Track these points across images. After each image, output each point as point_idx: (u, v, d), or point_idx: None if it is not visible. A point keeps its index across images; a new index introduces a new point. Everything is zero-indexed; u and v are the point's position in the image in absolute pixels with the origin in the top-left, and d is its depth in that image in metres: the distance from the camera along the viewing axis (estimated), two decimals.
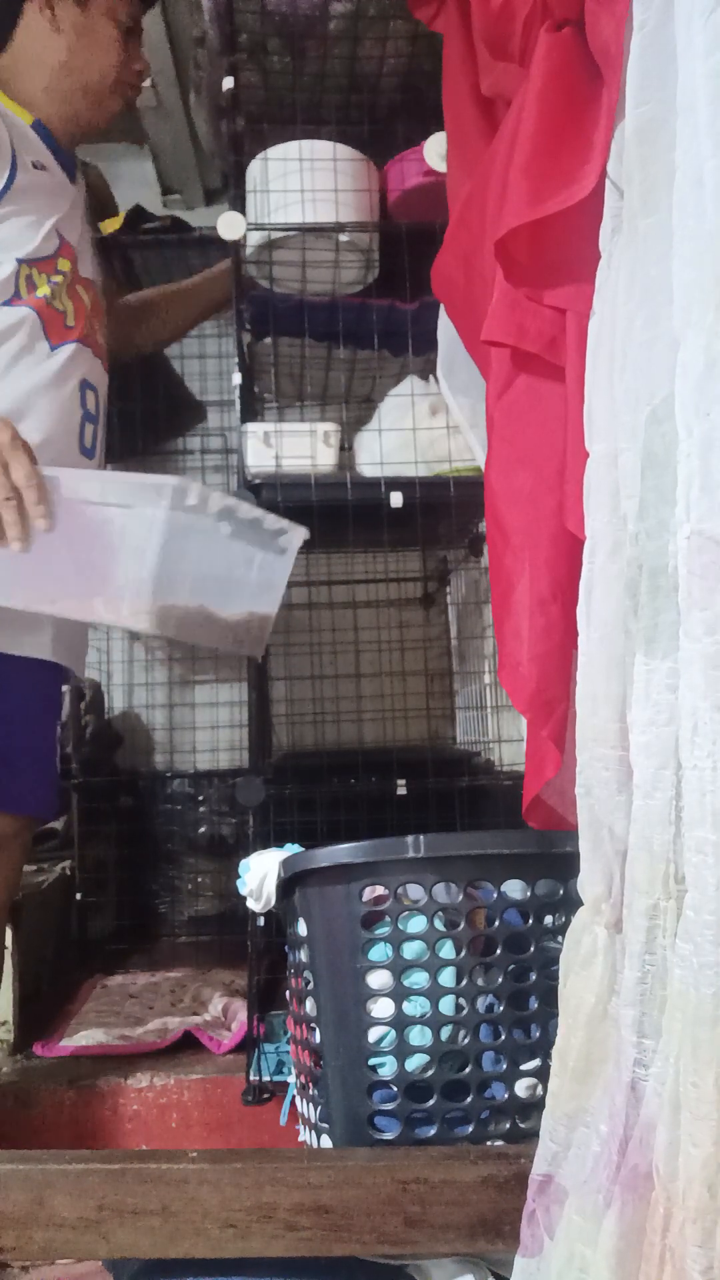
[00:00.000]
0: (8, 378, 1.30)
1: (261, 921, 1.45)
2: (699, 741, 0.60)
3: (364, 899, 1.05)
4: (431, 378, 1.64)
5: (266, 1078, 1.43)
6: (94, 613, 1.14)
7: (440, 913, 1.03)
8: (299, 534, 1.29)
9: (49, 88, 1.41)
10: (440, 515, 1.69)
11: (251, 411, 1.70)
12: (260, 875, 1.19)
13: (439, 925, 1.03)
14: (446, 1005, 1.03)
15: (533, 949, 1.04)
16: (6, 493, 1.11)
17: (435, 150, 1.58)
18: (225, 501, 1.16)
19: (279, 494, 1.53)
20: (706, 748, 0.59)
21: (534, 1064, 1.03)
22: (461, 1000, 1.03)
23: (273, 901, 1.19)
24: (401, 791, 1.55)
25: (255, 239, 1.65)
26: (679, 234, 0.64)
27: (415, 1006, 1.03)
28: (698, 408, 0.60)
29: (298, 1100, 1.20)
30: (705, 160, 0.61)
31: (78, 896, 2.00)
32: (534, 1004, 1.03)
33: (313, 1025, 1.09)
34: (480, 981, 1.04)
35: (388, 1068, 1.02)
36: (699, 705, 0.60)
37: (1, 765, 1.30)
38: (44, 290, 1.34)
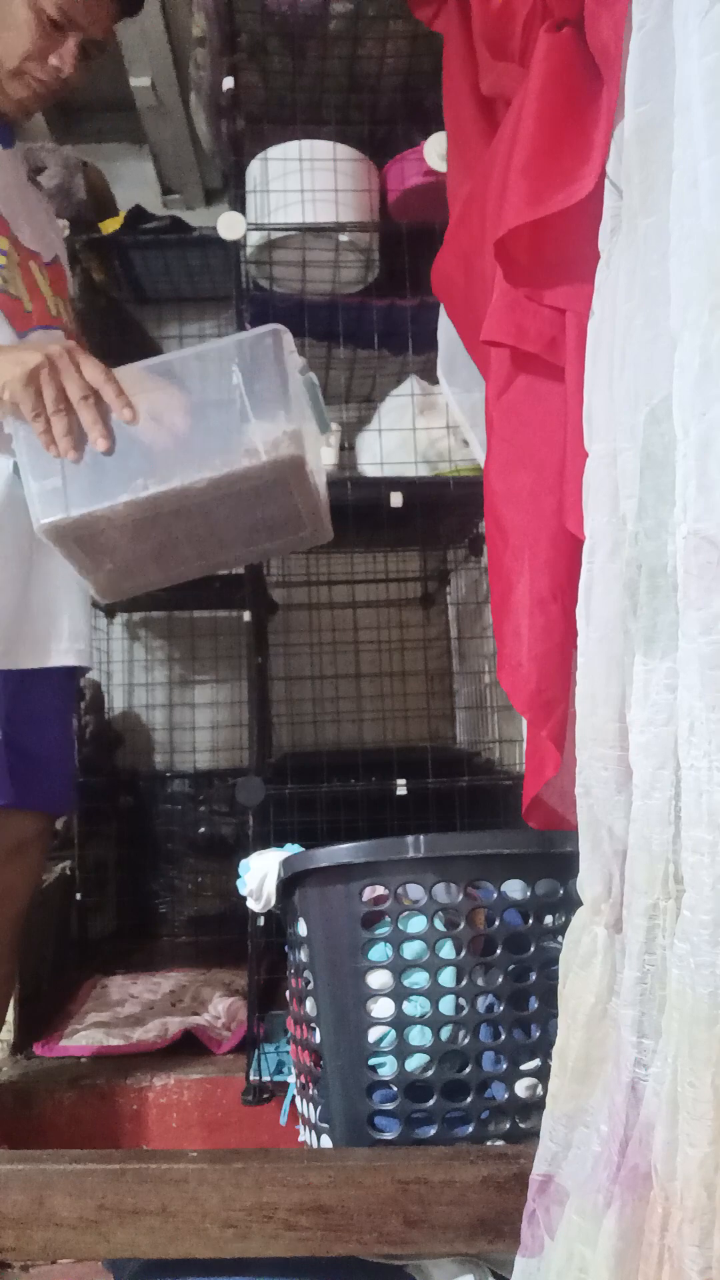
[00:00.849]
0: None
1: (261, 921, 1.45)
2: (695, 741, 0.60)
3: (364, 899, 1.05)
4: (432, 377, 1.65)
5: (266, 1078, 1.43)
6: (235, 463, 1.10)
7: (440, 913, 1.03)
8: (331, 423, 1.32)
9: None
10: (440, 515, 1.69)
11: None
12: (260, 875, 1.19)
13: (439, 925, 1.03)
14: (446, 1005, 1.03)
15: (533, 949, 1.04)
16: (84, 391, 1.09)
17: (435, 150, 1.58)
18: (303, 360, 1.17)
19: None
20: (703, 747, 0.59)
21: (534, 1064, 1.03)
22: (461, 1000, 1.03)
23: (273, 901, 1.19)
24: (401, 791, 1.55)
25: (255, 239, 1.65)
26: (676, 234, 0.64)
27: (415, 1006, 1.03)
28: (694, 407, 0.60)
29: (298, 1100, 1.20)
30: (700, 160, 0.61)
31: (78, 896, 2.01)
32: (534, 1004, 1.03)
33: (313, 1025, 1.09)
34: (480, 981, 1.04)
35: (388, 1068, 1.02)
36: (695, 705, 0.60)
37: (35, 766, 1.30)
38: None
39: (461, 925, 1.03)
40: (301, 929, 1.12)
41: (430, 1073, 1.01)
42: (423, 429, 1.63)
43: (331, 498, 1.54)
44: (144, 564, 1.25)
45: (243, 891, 1.22)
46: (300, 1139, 1.18)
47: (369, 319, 1.76)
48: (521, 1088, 1.02)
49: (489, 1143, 1.01)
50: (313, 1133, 1.11)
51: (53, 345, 1.12)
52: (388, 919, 1.04)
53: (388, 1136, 1.02)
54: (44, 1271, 1.33)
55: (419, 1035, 1.02)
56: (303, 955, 1.12)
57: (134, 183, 2.55)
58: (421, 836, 1.03)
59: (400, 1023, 1.02)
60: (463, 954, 1.03)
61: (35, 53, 1.32)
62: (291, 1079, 1.25)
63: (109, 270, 2.24)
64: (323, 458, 1.59)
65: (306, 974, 1.11)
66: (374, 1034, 1.03)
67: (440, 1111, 1.01)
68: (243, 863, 1.23)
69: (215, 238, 1.62)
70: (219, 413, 1.10)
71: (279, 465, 1.09)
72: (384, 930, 1.04)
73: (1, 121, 1.39)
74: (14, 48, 1.32)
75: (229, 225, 1.58)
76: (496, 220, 0.99)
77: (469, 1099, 1.02)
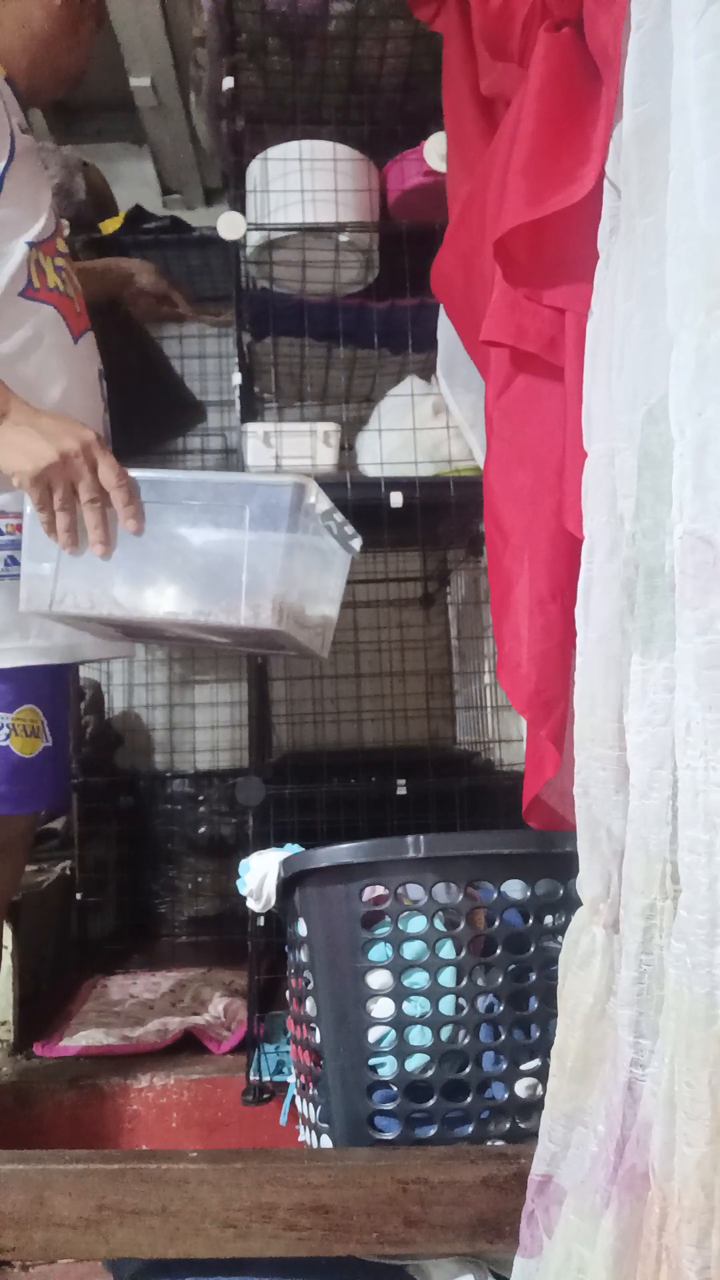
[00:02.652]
0: (45, 377, 1.25)
1: (261, 921, 1.45)
2: (691, 741, 0.60)
3: (364, 899, 1.05)
4: (432, 377, 1.65)
5: (266, 1078, 1.43)
6: (210, 616, 1.09)
7: (440, 913, 1.03)
8: (359, 540, 1.27)
9: (25, 50, 1.35)
10: (440, 515, 1.69)
11: (251, 411, 1.70)
12: (260, 875, 1.19)
13: (439, 925, 1.03)
14: (446, 1005, 1.03)
15: (533, 949, 1.04)
16: (92, 494, 1.08)
17: (435, 150, 1.58)
18: (329, 504, 1.14)
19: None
20: (699, 747, 0.60)
21: (534, 1064, 1.03)
22: (461, 1000, 1.03)
23: (273, 901, 1.19)
24: (401, 791, 1.55)
25: (255, 239, 1.65)
26: (673, 234, 0.64)
27: (415, 1006, 1.03)
28: (691, 407, 0.61)
29: (298, 1100, 1.20)
30: (697, 160, 0.61)
31: (78, 896, 2.00)
32: (534, 1004, 1.03)
33: (313, 1025, 1.09)
34: (480, 981, 1.04)
35: (388, 1068, 1.02)
36: (691, 705, 0.60)
37: (32, 768, 1.30)
38: (54, 280, 1.29)
39: (461, 925, 1.03)
40: (301, 929, 1.12)
41: (430, 1073, 1.01)
42: (424, 429, 1.63)
43: (331, 498, 1.54)
44: (136, 634, 1.27)
45: (243, 891, 1.22)
46: (300, 1139, 1.18)
47: (369, 319, 1.76)
48: (521, 1088, 1.02)
49: (489, 1143, 1.01)
50: (313, 1133, 1.12)
51: (71, 439, 1.09)
52: (388, 919, 1.04)
53: (388, 1136, 1.02)
54: (44, 1271, 1.33)
55: (419, 1035, 1.02)
56: (303, 955, 1.12)
57: (134, 183, 2.55)
58: (421, 836, 1.03)
59: (400, 1023, 1.02)
60: (463, 954, 1.03)
61: (86, 60, 1.42)
62: (291, 1079, 1.25)
63: None
64: (322, 456, 1.59)
65: (306, 974, 1.11)
66: (374, 1034, 1.03)
67: (440, 1111, 1.01)
68: (243, 863, 1.23)
69: (215, 238, 1.62)
70: (218, 552, 1.08)
71: (259, 629, 1.08)
72: (384, 930, 1.04)
73: (26, 119, 1.39)
74: (79, 55, 1.40)
75: (229, 225, 1.58)
76: (496, 220, 0.99)
77: (469, 1099, 1.02)
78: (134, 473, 1.10)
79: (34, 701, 1.26)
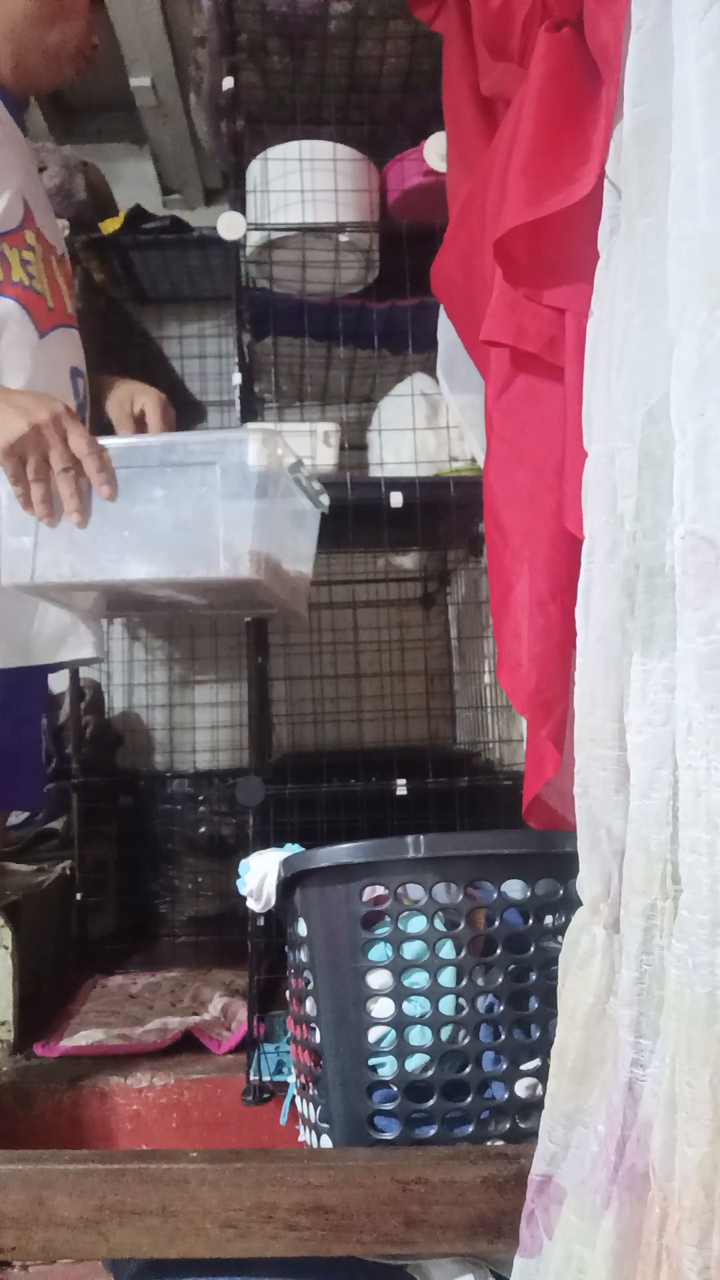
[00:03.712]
0: (7, 374, 1.24)
1: (261, 921, 1.45)
2: (693, 741, 0.60)
3: (364, 899, 1.05)
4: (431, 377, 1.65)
5: (266, 1078, 1.43)
6: (190, 571, 1.10)
7: (440, 913, 1.03)
8: (326, 496, 1.29)
9: (7, 36, 1.33)
10: (440, 515, 1.69)
11: (251, 411, 1.70)
12: (260, 875, 1.19)
13: (439, 925, 1.03)
14: (446, 1005, 1.03)
15: (533, 949, 1.04)
16: (65, 463, 1.08)
17: (435, 150, 1.58)
18: (295, 455, 1.15)
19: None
20: (700, 747, 0.60)
21: (534, 1064, 1.03)
22: (461, 1000, 1.03)
23: (273, 901, 1.19)
24: (401, 791, 1.55)
25: (255, 239, 1.65)
26: (674, 234, 0.64)
27: (415, 1006, 1.03)
28: (692, 407, 0.61)
29: (298, 1100, 1.20)
30: (698, 160, 0.61)
31: (78, 896, 2.01)
32: (534, 1004, 1.03)
33: (313, 1025, 1.09)
34: (480, 981, 1.04)
35: (388, 1068, 1.02)
36: (693, 705, 0.60)
37: (14, 768, 1.30)
38: (19, 274, 1.27)
39: (461, 925, 1.03)
40: (301, 929, 1.12)
41: (430, 1073, 1.01)
42: (424, 429, 1.63)
43: (331, 498, 1.54)
44: (119, 606, 1.27)
45: (243, 891, 1.22)
46: (300, 1139, 1.18)
47: (369, 319, 1.76)
48: (521, 1088, 1.02)
49: (489, 1143, 1.01)
50: (313, 1133, 1.12)
51: (42, 411, 1.10)
52: (388, 919, 1.04)
53: (388, 1136, 1.02)
54: (44, 1271, 1.33)
55: (419, 1035, 1.02)
56: (303, 955, 1.12)
57: (134, 183, 2.55)
58: (421, 836, 1.03)
59: (400, 1023, 1.02)
60: (463, 954, 1.03)
61: (85, 32, 1.38)
62: (291, 1079, 1.25)
63: (109, 270, 2.24)
64: (322, 456, 1.59)
65: (306, 974, 1.11)
66: (374, 1034, 1.03)
67: (440, 1111, 1.01)
68: (243, 863, 1.23)
69: (215, 238, 1.62)
70: (193, 509, 1.10)
71: (238, 580, 1.10)
72: (384, 930, 1.04)
73: (17, 107, 1.37)
74: (71, 29, 1.36)
75: (229, 225, 1.58)
76: (496, 220, 0.99)
77: (469, 1099, 1.02)
78: (105, 440, 1.11)
79: None
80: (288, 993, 1.19)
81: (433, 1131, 1.01)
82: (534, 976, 1.04)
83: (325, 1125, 1.07)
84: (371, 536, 1.66)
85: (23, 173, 1.31)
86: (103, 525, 1.11)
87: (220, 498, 1.08)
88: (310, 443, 1.58)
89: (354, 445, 1.82)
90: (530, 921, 1.04)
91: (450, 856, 1.04)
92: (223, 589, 1.15)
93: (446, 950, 1.03)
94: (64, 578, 1.13)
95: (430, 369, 1.59)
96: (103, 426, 1.43)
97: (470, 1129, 1.02)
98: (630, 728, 0.70)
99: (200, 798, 2.30)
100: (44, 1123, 1.44)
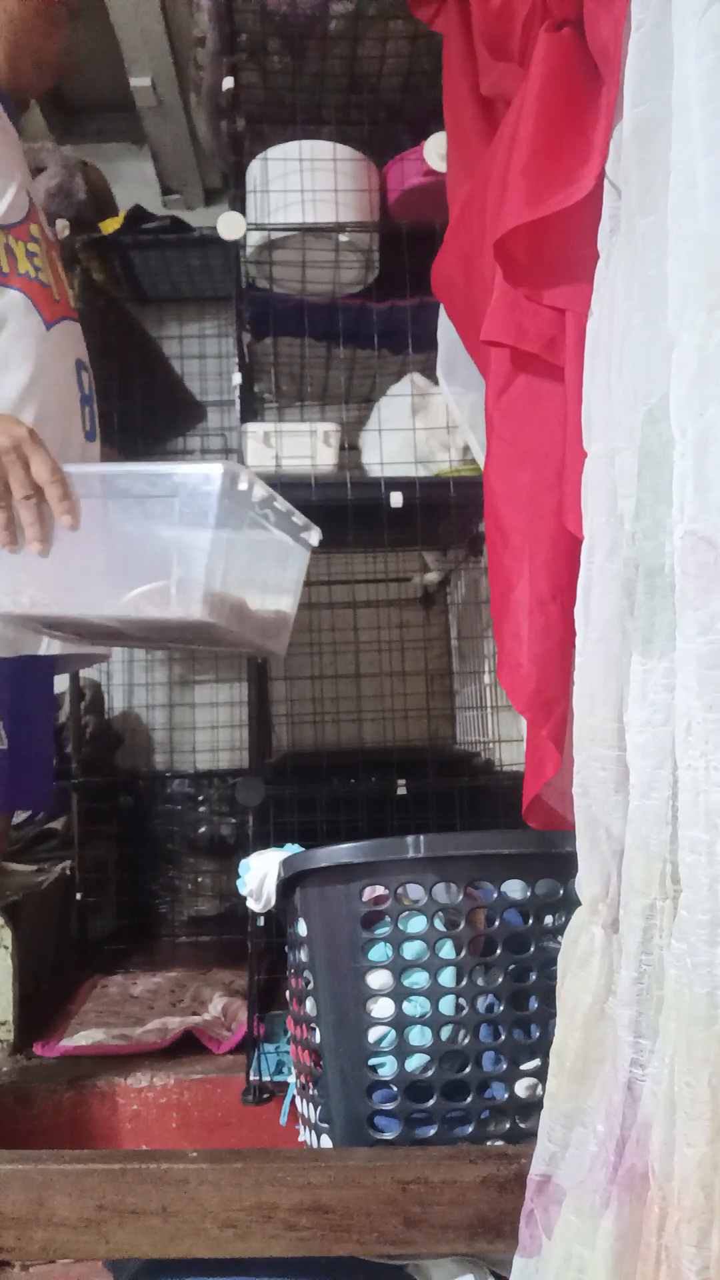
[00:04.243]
0: (7, 367, 1.24)
1: (261, 921, 1.45)
2: (692, 741, 0.60)
3: (364, 899, 1.05)
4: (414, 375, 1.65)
5: (266, 1078, 1.43)
6: (141, 610, 1.06)
7: (440, 913, 1.03)
8: (315, 531, 1.24)
9: (6, 43, 1.33)
10: (440, 515, 1.69)
11: (251, 411, 1.71)
12: (260, 875, 1.19)
13: (439, 925, 1.03)
14: (446, 1005, 1.03)
15: (533, 949, 1.04)
16: (26, 490, 1.06)
17: (435, 150, 1.58)
18: (266, 492, 1.11)
19: (279, 494, 1.53)
20: (700, 747, 0.60)
21: (534, 1064, 1.03)
22: (461, 1000, 1.03)
23: (273, 901, 1.19)
24: (401, 791, 1.55)
25: (255, 239, 1.65)
26: (674, 234, 0.64)
27: (415, 1006, 1.03)
28: (692, 408, 0.61)
29: (298, 1100, 1.20)
30: (698, 160, 0.61)
31: (78, 896, 2.00)
32: (534, 1004, 1.03)
33: (313, 1025, 1.09)
34: (480, 981, 1.04)
35: (388, 1068, 1.02)
36: (692, 705, 0.60)
37: (25, 766, 1.30)
38: (25, 266, 1.27)
39: (461, 925, 1.03)
40: (301, 929, 1.12)
41: (430, 1073, 1.01)
42: (424, 429, 1.63)
43: (331, 498, 1.54)
44: (91, 636, 1.25)
45: (243, 891, 1.22)
46: (300, 1139, 1.18)
47: (369, 319, 1.76)
48: (521, 1088, 1.02)
49: (489, 1143, 1.01)
50: (313, 1133, 1.11)
51: (3, 436, 1.08)
52: (388, 919, 1.04)
53: (388, 1136, 1.02)
54: (44, 1271, 1.33)
55: (419, 1035, 1.02)
56: (303, 955, 1.12)
57: (134, 183, 2.55)
58: (421, 836, 1.03)
59: (400, 1023, 1.02)
60: (463, 954, 1.03)
61: (66, 48, 1.40)
62: (291, 1079, 1.25)
63: (109, 270, 2.24)
64: (322, 456, 1.59)
65: (306, 974, 1.11)
66: (374, 1034, 1.03)
67: (440, 1111, 1.01)
68: (243, 863, 1.23)
69: (215, 238, 1.62)
70: (151, 544, 1.05)
71: (190, 620, 1.06)
72: (384, 930, 1.04)
73: (11, 106, 1.38)
74: (57, 42, 1.38)
75: (229, 225, 1.58)
76: (496, 220, 0.99)
77: (469, 1099, 1.02)
78: (68, 467, 1.08)
79: None
80: (288, 993, 1.19)
81: (433, 1131, 1.01)
82: (534, 976, 1.04)
83: (325, 1125, 1.07)
84: (371, 536, 1.66)
85: (22, 171, 1.32)
86: (60, 555, 1.08)
87: (177, 533, 1.03)
88: (310, 443, 1.58)
89: (354, 445, 1.82)
90: (530, 921, 1.04)
91: (450, 856, 1.04)
92: (183, 629, 1.11)
93: (446, 950, 1.03)
94: (22, 608, 1.10)
95: (430, 369, 1.59)
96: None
97: (470, 1129, 1.02)
98: (630, 728, 0.70)
99: (200, 798, 2.30)
100: (44, 1123, 1.44)
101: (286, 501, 1.15)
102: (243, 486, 1.05)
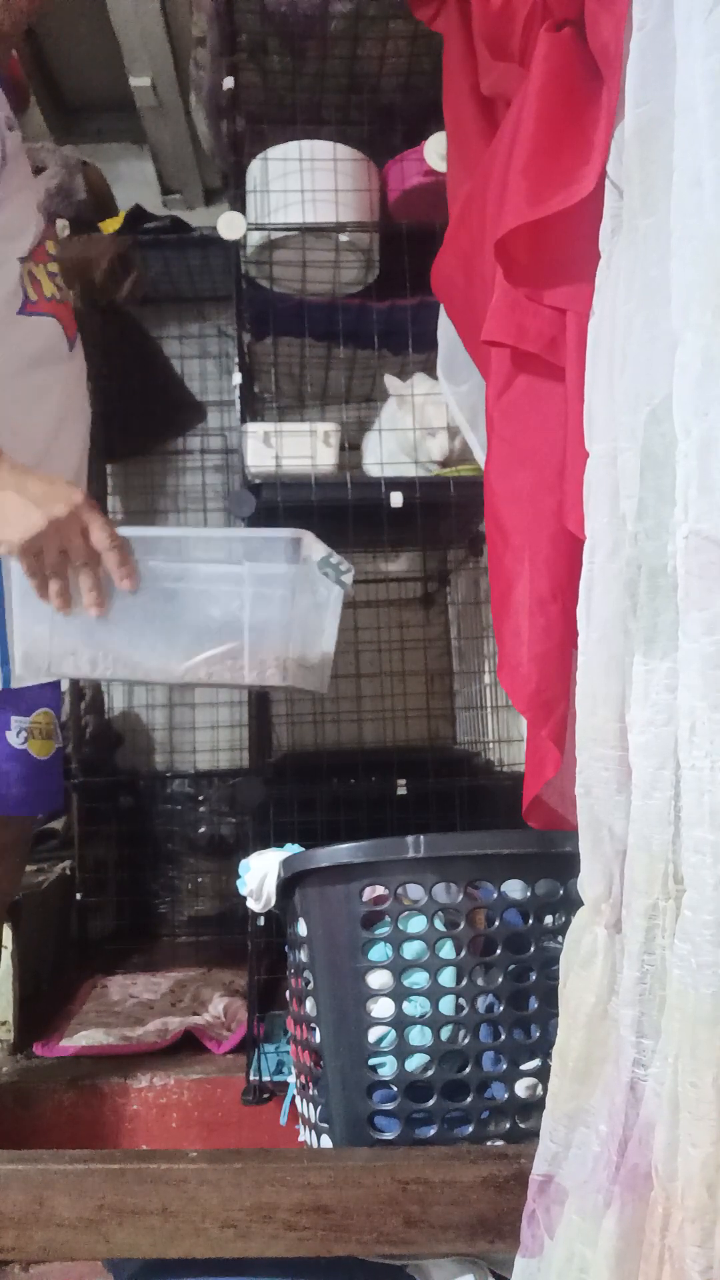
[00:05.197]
0: (42, 395, 1.22)
1: (261, 921, 1.45)
2: (697, 741, 0.60)
3: (364, 899, 1.05)
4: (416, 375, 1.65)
5: (266, 1078, 1.43)
6: (212, 676, 1.06)
7: (440, 913, 1.03)
8: (352, 573, 1.23)
9: None
10: (440, 515, 1.69)
11: (251, 411, 1.70)
12: (260, 875, 1.19)
13: (439, 925, 1.03)
14: (446, 1005, 1.03)
15: (533, 949, 1.04)
16: (85, 558, 1.03)
17: (435, 150, 1.58)
18: (327, 551, 1.10)
19: (279, 494, 1.53)
20: (704, 747, 0.60)
21: (534, 1064, 1.03)
22: (461, 1000, 1.03)
23: (273, 901, 1.19)
24: (401, 791, 1.55)
25: (255, 239, 1.65)
26: (677, 234, 0.64)
27: (415, 1006, 1.03)
28: (696, 408, 0.61)
29: (298, 1100, 1.20)
30: (704, 160, 0.61)
31: (78, 896, 2.01)
32: (534, 1004, 1.03)
33: (313, 1025, 1.09)
34: (480, 981, 1.04)
35: (388, 1068, 1.02)
36: (697, 705, 0.60)
37: (46, 770, 1.30)
38: (50, 289, 1.25)
39: (461, 925, 1.03)
40: (301, 929, 1.12)
41: (430, 1073, 1.01)
42: (424, 429, 1.63)
43: (331, 498, 1.54)
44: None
45: (243, 891, 1.22)
46: (300, 1139, 1.18)
47: (369, 319, 1.76)
48: (521, 1088, 1.02)
49: (489, 1143, 1.01)
50: (313, 1133, 1.11)
51: (59, 504, 1.04)
52: (388, 919, 1.04)
53: (388, 1136, 1.02)
54: (44, 1271, 1.33)
55: (419, 1035, 1.02)
56: (303, 955, 1.12)
57: (134, 183, 2.55)
58: (421, 836, 1.03)
59: (400, 1023, 1.02)
60: (463, 954, 1.03)
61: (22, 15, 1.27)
62: (291, 1079, 1.25)
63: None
64: (322, 456, 1.59)
65: (306, 974, 1.11)
66: (374, 1034, 1.03)
67: (440, 1111, 1.01)
68: (243, 863, 1.23)
69: (215, 238, 1.62)
70: (220, 611, 1.05)
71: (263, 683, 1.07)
72: (384, 930, 1.04)
73: (17, 103, 1.35)
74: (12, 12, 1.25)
75: (229, 225, 1.58)
76: (496, 220, 0.99)
77: (469, 1099, 1.02)
78: (127, 531, 1.06)
79: (48, 704, 1.26)
80: (288, 993, 1.19)
81: (433, 1131, 1.01)
82: (534, 976, 1.04)
83: (325, 1125, 1.07)
84: (372, 536, 1.66)
85: (31, 187, 1.29)
86: (122, 618, 1.07)
87: (248, 602, 1.03)
88: (310, 443, 1.58)
89: (354, 445, 1.82)
90: (530, 921, 1.04)
91: (450, 856, 1.04)
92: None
93: (446, 950, 1.03)
94: (82, 671, 1.09)
95: (430, 369, 1.59)
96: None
97: (470, 1129, 1.02)
98: (632, 728, 0.70)
99: (200, 798, 2.30)
100: (44, 1123, 1.44)
101: (328, 549, 1.14)
102: (307, 553, 1.05)
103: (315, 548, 1.08)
